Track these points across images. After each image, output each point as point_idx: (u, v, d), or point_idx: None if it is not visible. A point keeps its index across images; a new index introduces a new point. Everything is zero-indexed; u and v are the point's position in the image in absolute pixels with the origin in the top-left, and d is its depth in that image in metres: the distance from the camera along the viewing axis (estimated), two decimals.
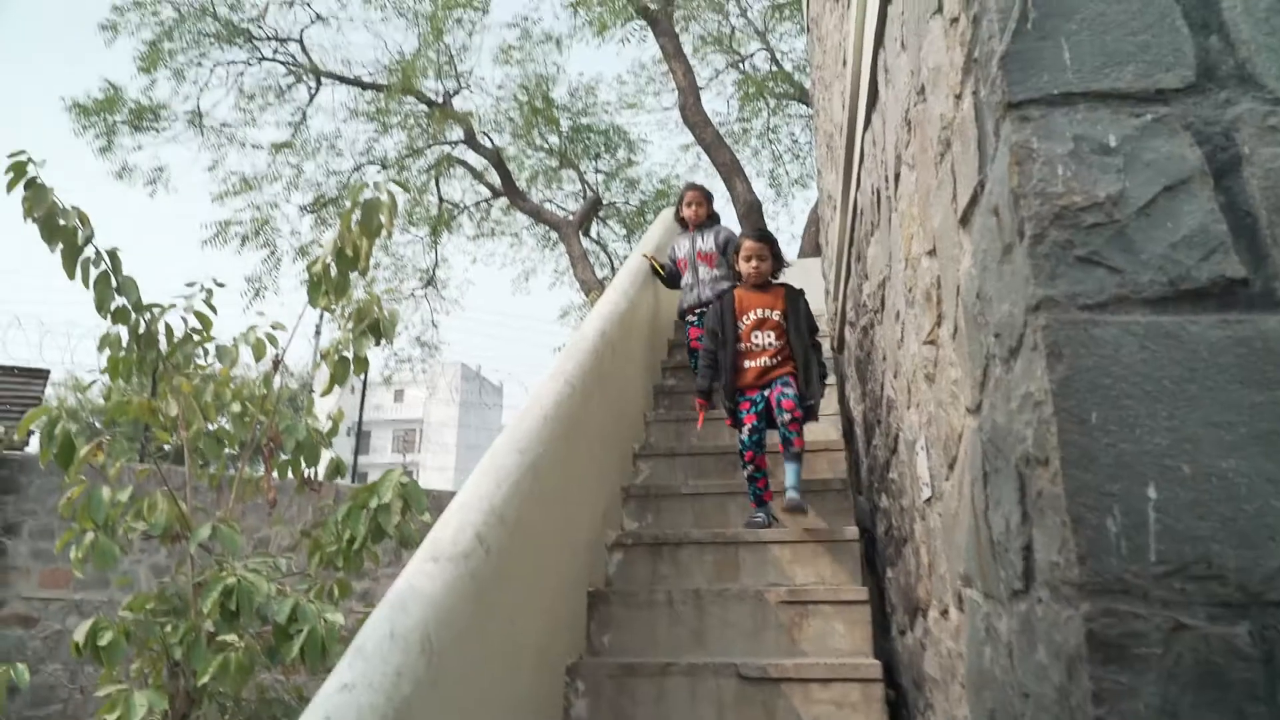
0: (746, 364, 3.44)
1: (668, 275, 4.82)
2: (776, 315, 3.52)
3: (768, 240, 3.87)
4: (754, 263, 3.74)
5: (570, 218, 11.81)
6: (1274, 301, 0.98)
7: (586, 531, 2.79)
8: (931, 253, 1.74)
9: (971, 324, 1.37)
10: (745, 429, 3.34)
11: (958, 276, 1.47)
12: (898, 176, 2.12)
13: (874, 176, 2.63)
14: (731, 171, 9.84)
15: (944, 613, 1.79)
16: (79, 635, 3.32)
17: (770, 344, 3.45)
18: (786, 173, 12.96)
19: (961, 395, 1.50)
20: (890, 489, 2.64)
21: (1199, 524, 0.92)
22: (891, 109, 2.17)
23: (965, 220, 1.37)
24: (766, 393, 3.36)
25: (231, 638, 3.23)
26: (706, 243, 4.62)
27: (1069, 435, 0.97)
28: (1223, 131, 1.05)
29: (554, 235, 12.45)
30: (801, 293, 3.62)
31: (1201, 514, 0.92)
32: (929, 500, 1.91)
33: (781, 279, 3.78)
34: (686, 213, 4.73)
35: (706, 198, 4.76)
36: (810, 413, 3.31)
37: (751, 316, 3.53)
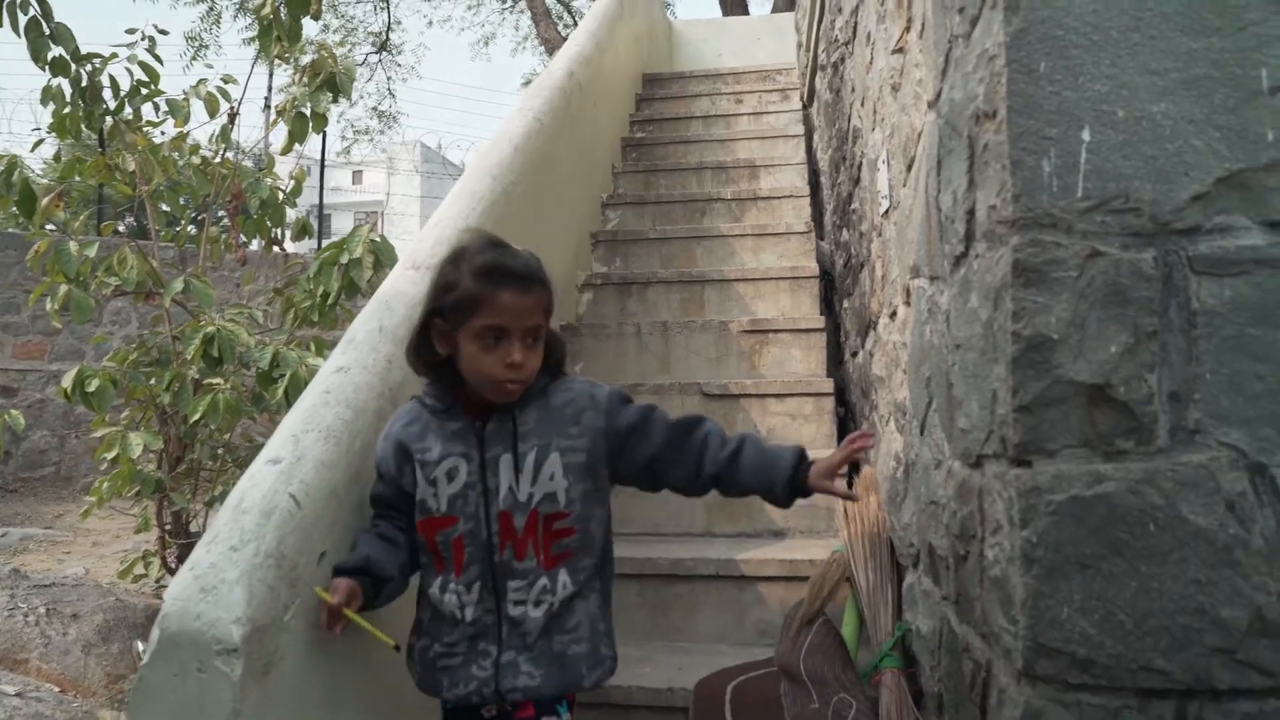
0: None
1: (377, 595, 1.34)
2: None
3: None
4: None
5: None
6: None
7: (557, 268, 2.88)
8: None
9: (938, 9, 1.39)
10: None
11: None
12: None
13: None
14: None
15: (892, 315, 1.94)
16: (66, 381, 3.44)
17: None
18: None
19: (924, 92, 1.55)
20: (851, 220, 2.73)
21: (1124, 163, 1.01)
22: None
23: None
24: None
25: (217, 381, 3.38)
26: (532, 468, 1.33)
27: (1017, 85, 1.03)
28: None
29: None
30: None
31: (1128, 154, 1.01)
32: (886, 213, 2.00)
33: None
34: (470, 348, 1.30)
35: (541, 302, 1.31)
36: None
37: None
